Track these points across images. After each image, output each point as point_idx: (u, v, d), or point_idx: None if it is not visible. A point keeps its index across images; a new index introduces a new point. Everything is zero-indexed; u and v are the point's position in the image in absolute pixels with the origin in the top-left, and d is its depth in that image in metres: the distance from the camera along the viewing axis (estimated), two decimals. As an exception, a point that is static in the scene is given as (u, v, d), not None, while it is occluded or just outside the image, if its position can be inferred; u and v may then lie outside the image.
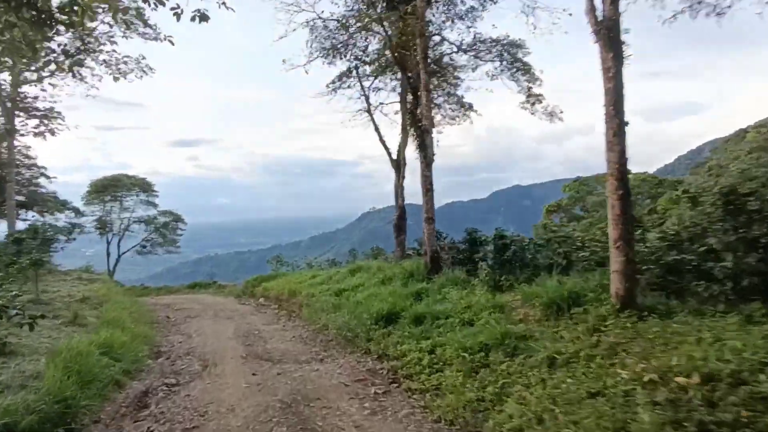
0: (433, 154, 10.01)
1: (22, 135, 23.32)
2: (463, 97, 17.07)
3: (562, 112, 14.65)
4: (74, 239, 30.23)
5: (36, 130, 22.93)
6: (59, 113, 23.05)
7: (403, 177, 14.34)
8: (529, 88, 14.20)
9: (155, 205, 33.94)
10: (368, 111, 15.70)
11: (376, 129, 15.35)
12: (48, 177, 26.61)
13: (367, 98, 15.85)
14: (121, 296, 12.21)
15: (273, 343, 8.45)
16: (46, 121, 22.95)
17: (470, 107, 17.08)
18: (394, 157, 14.76)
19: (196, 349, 8.20)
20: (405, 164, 14.51)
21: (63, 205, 28.75)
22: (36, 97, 22.26)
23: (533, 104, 14.18)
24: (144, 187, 33.25)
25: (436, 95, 16.93)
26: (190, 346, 8.47)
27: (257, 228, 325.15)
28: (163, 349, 8.28)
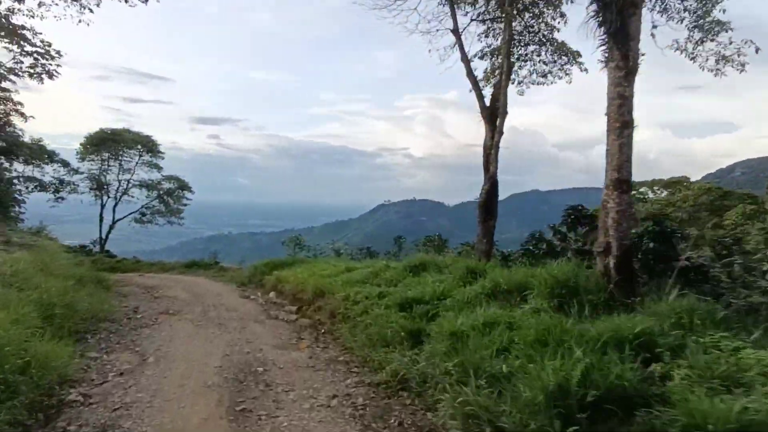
0: (637, 55, 5.15)
1: (17, 75, 19.92)
2: (563, 44, 12.30)
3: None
4: (62, 198, 25.78)
5: (32, 70, 19.56)
6: (58, 52, 19.56)
7: (501, 133, 9.47)
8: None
9: (159, 168, 29.25)
10: (455, 30, 10.65)
11: (464, 57, 10.51)
12: (24, 116, 21.71)
13: (453, 10, 10.91)
14: (59, 273, 7.74)
15: (295, 411, 4.04)
16: (40, 59, 19.35)
17: (573, 58, 12.32)
18: (487, 102, 10.08)
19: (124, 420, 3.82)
20: (506, 113, 9.62)
21: (49, 156, 24.77)
22: (11, 11, 17.27)
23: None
24: (148, 145, 28.46)
25: (524, 39, 12.30)
26: (116, 404, 4.09)
27: (271, 210, 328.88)
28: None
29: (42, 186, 24.65)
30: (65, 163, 25.88)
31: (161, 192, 29.37)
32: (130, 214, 28.95)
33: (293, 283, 9.61)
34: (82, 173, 27.25)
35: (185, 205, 30.11)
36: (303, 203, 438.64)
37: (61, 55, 19.90)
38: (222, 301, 9.41)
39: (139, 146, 28.30)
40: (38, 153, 23.72)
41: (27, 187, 23.99)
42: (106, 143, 27.18)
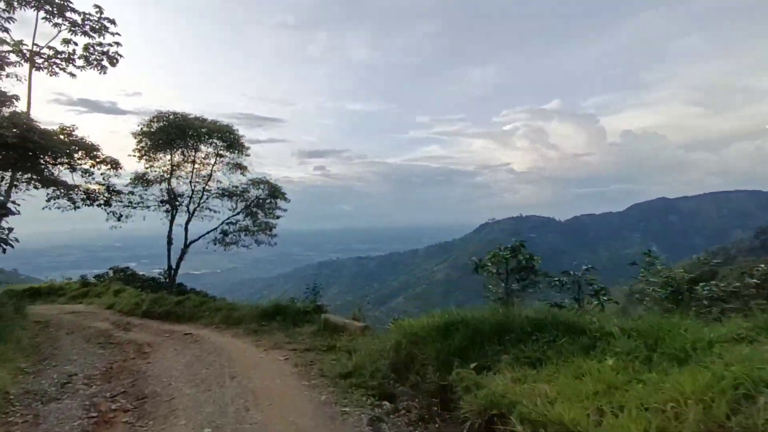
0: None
1: (70, 62, 16.11)
2: None
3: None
4: (115, 214, 18.12)
5: (88, 53, 16.12)
6: (112, 20, 15.66)
7: None
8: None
9: (243, 169, 20.04)
10: None
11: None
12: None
13: None
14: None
15: None
16: (95, 35, 15.68)
17: None
18: None
19: None
20: None
21: (92, 154, 16.03)
22: None
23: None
24: (226, 136, 19.12)
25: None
26: None
27: (375, 235, 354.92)
28: None
29: (90, 197, 16.89)
30: (116, 165, 16.79)
31: (249, 203, 20.10)
32: (208, 233, 19.93)
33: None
34: (146, 183, 19.23)
35: (278, 217, 20.81)
36: (406, 226, 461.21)
37: (117, 33, 15.85)
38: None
39: (216, 139, 19.21)
40: (77, 152, 15.61)
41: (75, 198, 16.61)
42: (175, 135, 18.49)
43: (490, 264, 6.35)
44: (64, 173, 15.98)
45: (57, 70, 16.49)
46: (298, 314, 10.02)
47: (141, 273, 21.79)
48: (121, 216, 19.24)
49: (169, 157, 19.92)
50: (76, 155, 15.76)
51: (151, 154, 19.60)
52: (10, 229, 12.16)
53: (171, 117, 19.36)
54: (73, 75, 16.76)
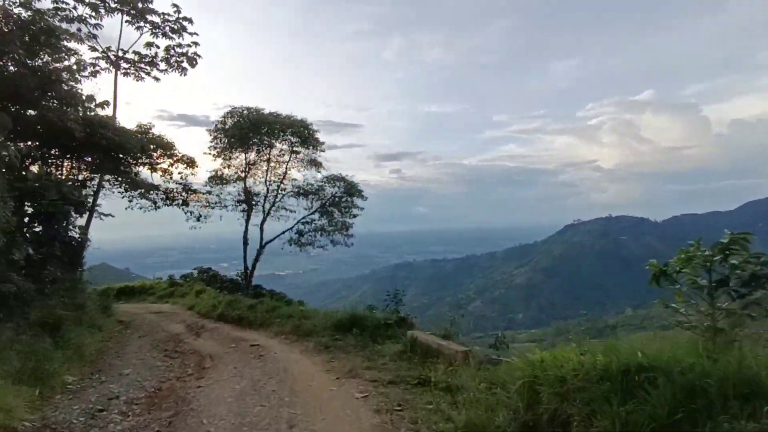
0: None
1: (154, 65, 15.65)
2: None
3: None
4: (193, 214, 17.93)
5: (169, 56, 15.41)
6: (189, 20, 14.54)
7: None
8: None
9: (318, 165, 18.86)
10: None
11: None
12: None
13: None
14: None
15: None
16: (175, 37, 14.78)
17: None
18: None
19: None
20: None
21: (169, 152, 15.95)
22: None
23: None
24: (300, 132, 18.07)
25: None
26: None
27: (451, 237, 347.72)
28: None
29: (169, 197, 16.84)
30: (191, 162, 16.76)
31: (324, 201, 18.81)
32: (283, 233, 18.85)
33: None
34: (222, 182, 18.72)
35: (355, 216, 19.21)
36: (482, 228, 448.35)
37: (195, 32, 14.96)
38: None
39: (290, 135, 18.26)
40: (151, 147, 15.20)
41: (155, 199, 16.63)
42: (249, 131, 17.69)
43: (687, 270, 3.78)
44: (144, 174, 16.18)
45: (142, 75, 16.62)
46: (378, 327, 8.50)
47: (222, 274, 21.76)
48: (200, 216, 19.11)
49: (244, 155, 19.36)
50: (154, 154, 16.08)
51: (228, 153, 19.13)
52: (85, 227, 13.00)
53: (245, 112, 18.69)
54: (157, 79, 16.77)
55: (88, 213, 13.41)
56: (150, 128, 16.26)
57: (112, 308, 13.20)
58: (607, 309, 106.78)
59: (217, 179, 19.33)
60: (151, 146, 15.52)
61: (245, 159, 19.42)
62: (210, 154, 19.30)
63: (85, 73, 14.82)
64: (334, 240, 19.65)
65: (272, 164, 19.77)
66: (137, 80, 16.67)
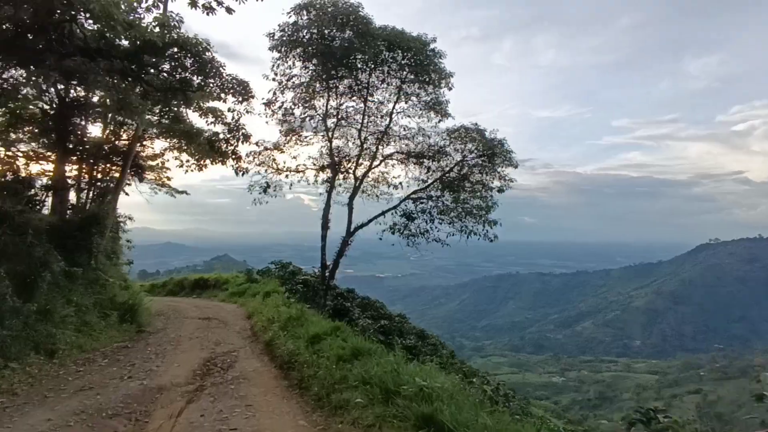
0: None
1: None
2: None
3: None
4: (257, 186, 14.92)
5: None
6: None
7: None
8: None
9: (442, 111, 14.84)
10: None
11: None
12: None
13: None
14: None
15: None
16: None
17: None
18: None
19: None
20: None
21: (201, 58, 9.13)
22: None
23: None
24: (417, 58, 13.51)
25: None
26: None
27: (560, 250, 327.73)
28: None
29: (213, 146, 12.90)
30: (244, 88, 10.45)
31: (448, 169, 14.36)
32: (383, 213, 14.88)
33: None
34: (296, 137, 14.77)
35: (500, 190, 14.42)
36: (596, 242, 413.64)
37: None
38: None
39: (402, 59, 13.77)
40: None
41: None
42: (325, 38, 13.24)
43: None
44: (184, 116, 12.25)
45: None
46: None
47: (307, 271, 18.60)
48: (268, 186, 15.09)
49: (326, 96, 13.97)
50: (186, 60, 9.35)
51: (303, 90, 13.50)
52: (108, 202, 12.28)
53: (330, 8, 12.47)
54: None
55: (115, 184, 11.75)
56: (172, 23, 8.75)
57: (139, 310, 10.75)
58: (751, 345, 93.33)
59: (290, 134, 14.56)
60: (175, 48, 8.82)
61: (327, 100, 13.98)
62: (270, 78, 13.56)
63: None
64: (466, 227, 13.74)
65: (369, 104, 14.13)
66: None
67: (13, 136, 11.70)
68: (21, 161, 11.94)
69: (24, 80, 9.57)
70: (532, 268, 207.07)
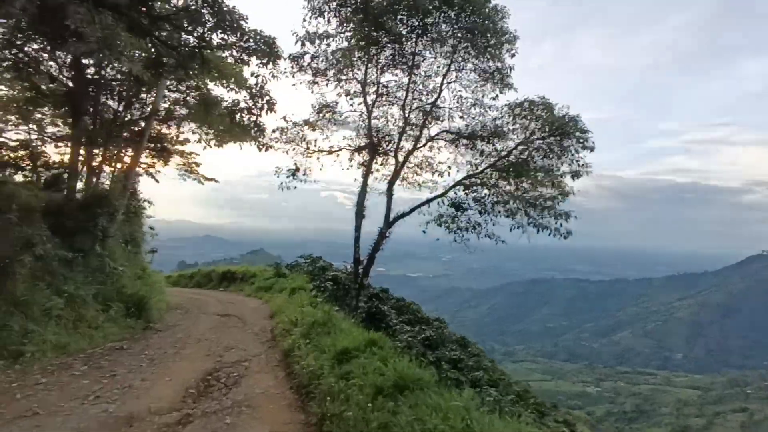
0: None
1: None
2: None
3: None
4: (290, 170, 13.38)
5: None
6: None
7: None
8: None
9: (503, 82, 12.48)
10: None
11: None
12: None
13: None
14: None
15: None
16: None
17: None
18: None
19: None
20: None
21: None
22: None
23: None
24: (472, 18, 11.39)
25: None
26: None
27: (599, 256, 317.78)
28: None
29: (233, 113, 11.00)
30: (269, 45, 8.31)
31: (508, 150, 12.45)
32: (427, 201, 13.01)
33: None
34: (329, 112, 13.30)
35: (575, 176, 12.11)
36: (638, 250, 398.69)
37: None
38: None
39: (456, 19, 11.66)
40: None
41: None
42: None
43: None
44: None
45: None
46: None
47: (337, 267, 17.50)
48: (297, 170, 13.53)
49: (364, 66, 12.45)
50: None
51: (342, 58, 12.05)
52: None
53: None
54: None
55: (129, 163, 10.96)
56: None
57: (149, 304, 9.72)
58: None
59: (324, 109, 13.17)
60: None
61: (366, 70, 12.47)
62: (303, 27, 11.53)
63: None
64: (534, 220, 11.71)
65: (415, 80, 12.57)
66: None
67: (34, 115, 11.30)
68: (36, 141, 11.60)
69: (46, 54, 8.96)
70: (566, 274, 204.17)
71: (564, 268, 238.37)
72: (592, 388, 76.29)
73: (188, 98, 12.15)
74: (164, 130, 14.05)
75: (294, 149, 13.56)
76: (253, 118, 10.91)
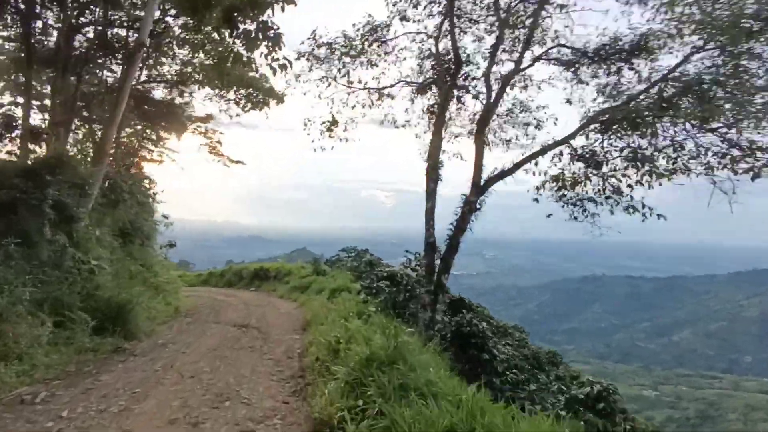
0: None
1: None
2: None
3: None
4: (325, 125, 11.94)
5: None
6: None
7: None
8: None
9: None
10: None
11: None
12: None
13: None
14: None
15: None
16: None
17: None
18: None
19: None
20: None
21: None
22: None
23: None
24: None
25: None
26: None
27: (652, 252, 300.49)
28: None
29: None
30: None
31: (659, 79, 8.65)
32: (541, 152, 9.64)
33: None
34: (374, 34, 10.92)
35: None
36: (695, 244, 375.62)
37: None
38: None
39: None
40: None
41: None
42: None
43: None
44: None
45: None
46: None
47: (387, 263, 14.78)
48: (334, 123, 11.32)
49: None
50: None
51: None
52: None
53: None
54: None
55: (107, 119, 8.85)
56: None
57: (133, 312, 7.14)
58: None
59: (371, 30, 10.26)
60: None
61: None
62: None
63: None
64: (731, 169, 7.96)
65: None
66: None
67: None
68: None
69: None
70: (617, 271, 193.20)
71: (613, 265, 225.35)
72: (650, 391, 72.33)
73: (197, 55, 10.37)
74: (177, 99, 13.38)
75: (331, 83, 10.04)
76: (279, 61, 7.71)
